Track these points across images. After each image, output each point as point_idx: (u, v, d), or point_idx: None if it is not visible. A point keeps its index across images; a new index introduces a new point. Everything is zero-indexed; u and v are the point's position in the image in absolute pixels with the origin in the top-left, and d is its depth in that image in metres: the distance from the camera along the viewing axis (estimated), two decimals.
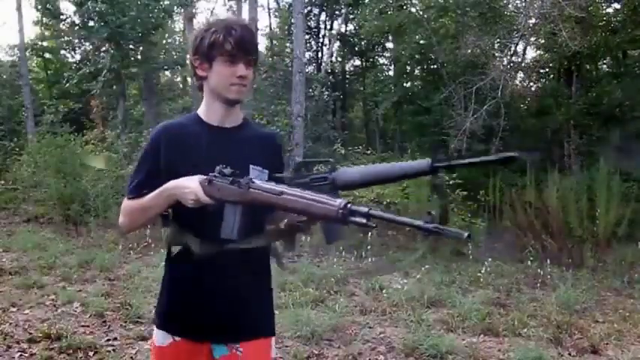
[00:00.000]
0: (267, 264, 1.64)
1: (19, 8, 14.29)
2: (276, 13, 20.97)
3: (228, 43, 1.48)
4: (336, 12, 18.74)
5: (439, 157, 1.31)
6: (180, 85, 21.93)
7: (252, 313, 1.60)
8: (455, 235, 1.01)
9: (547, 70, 15.67)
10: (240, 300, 1.56)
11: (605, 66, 15.35)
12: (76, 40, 16.88)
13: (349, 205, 1.12)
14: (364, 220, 1.09)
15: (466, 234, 1.00)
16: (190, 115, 1.66)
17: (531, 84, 14.91)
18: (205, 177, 1.39)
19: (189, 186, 1.39)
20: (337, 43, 19.10)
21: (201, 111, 1.62)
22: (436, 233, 1.02)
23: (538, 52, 15.13)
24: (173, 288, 1.60)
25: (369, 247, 6.88)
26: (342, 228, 1.54)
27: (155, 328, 1.63)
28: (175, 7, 14.46)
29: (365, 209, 1.10)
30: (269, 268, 1.66)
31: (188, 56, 1.63)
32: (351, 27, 19.10)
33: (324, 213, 1.15)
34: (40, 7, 13.69)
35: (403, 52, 15.25)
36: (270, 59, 16.70)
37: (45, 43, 19.14)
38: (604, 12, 13.92)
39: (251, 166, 1.57)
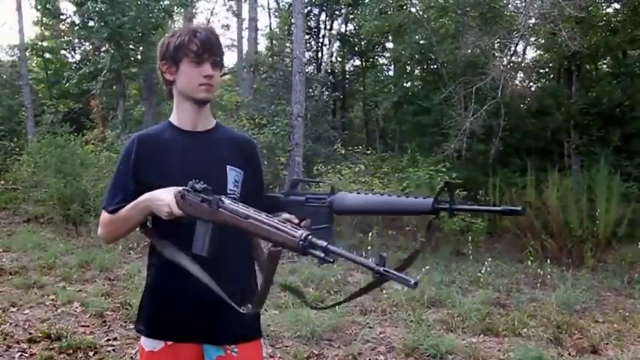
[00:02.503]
0: (251, 264, 1.64)
1: (19, 8, 14.31)
2: (276, 13, 21.02)
3: (193, 43, 1.50)
4: (336, 12, 18.76)
5: (442, 198, 1.29)
6: None
7: (245, 314, 1.59)
8: (402, 280, 1.02)
9: (547, 70, 15.66)
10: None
11: (605, 66, 15.33)
12: (76, 40, 16.91)
13: (310, 238, 1.14)
14: (322, 255, 1.11)
15: (413, 281, 1.01)
16: (163, 123, 1.66)
17: (531, 84, 14.89)
18: (179, 190, 1.39)
19: (164, 198, 1.40)
20: (337, 43, 19.12)
21: (173, 117, 1.62)
22: (385, 276, 1.04)
23: (538, 52, 15.14)
24: (159, 292, 1.59)
25: (369, 247, 6.88)
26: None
27: (143, 336, 1.61)
28: (175, 7, 14.46)
29: (323, 244, 1.11)
30: (254, 268, 1.65)
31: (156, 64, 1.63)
32: (351, 27, 19.13)
33: (284, 242, 1.18)
34: (40, 7, 13.67)
35: (403, 52, 15.25)
36: (270, 59, 16.71)
37: (45, 43, 19.14)
38: (604, 12, 13.90)
39: (228, 167, 1.58)
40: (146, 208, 1.46)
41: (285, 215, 1.59)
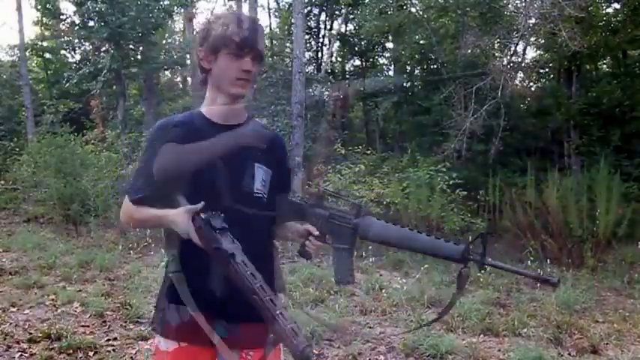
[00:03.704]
0: (272, 269, 1.59)
1: (19, 8, 14.28)
2: (276, 13, 20.99)
3: (236, 35, 1.45)
4: (336, 12, 18.75)
5: (474, 249, 1.24)
6: (180, 85, 21.94)
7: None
8: None
9: (547, 70, 15.65)
10: (252, 304, 1.51)
11: (605, 66, 15.33)
12: (76, 40, 16.86)
13: (309, 355, 1.09)
14: None
15: None
16: (192, 112, 1.60)
17: (531, 84, 14.91)
18: (196, 220, 1.34)
19: (179, 222, 1.37)
20: (337, 43, 19.11)
21: (205, 107, 1.57)
22: None
23: (538, 52, 15.14)
24: (176, 295, 1.50)
25: (370, 247, 6.87)
26: (353, 272, 1.54)
27: (157, 334, 1.58)
28: (175, 7, 14.46)
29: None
30: (273, 272, 1.59)
31: (194, 49, 1.57)
32: (351, 27, 19.12)
33: (284, 341, 1.13)
34: (40, 7, 13.68)
35: (403, 52, 15.27)
36: (270, 59, 16.69)
37: (45, 43, 19.10)
38: (604, 12, 13.90)
39: (256, 165, 1.54)
40: (169, 224, 1.43)
41: (307, 226, 1.58)
